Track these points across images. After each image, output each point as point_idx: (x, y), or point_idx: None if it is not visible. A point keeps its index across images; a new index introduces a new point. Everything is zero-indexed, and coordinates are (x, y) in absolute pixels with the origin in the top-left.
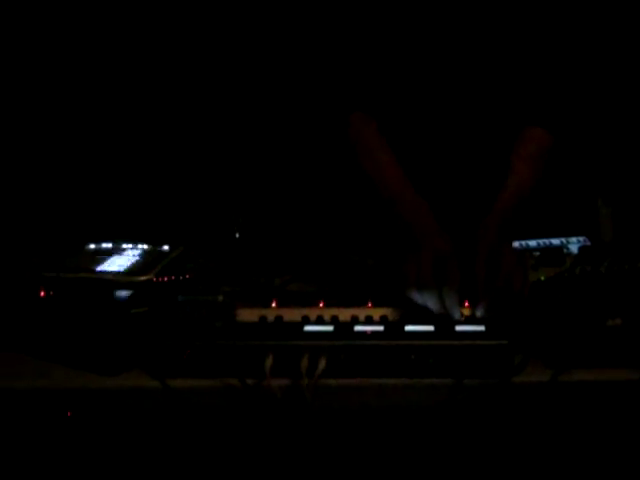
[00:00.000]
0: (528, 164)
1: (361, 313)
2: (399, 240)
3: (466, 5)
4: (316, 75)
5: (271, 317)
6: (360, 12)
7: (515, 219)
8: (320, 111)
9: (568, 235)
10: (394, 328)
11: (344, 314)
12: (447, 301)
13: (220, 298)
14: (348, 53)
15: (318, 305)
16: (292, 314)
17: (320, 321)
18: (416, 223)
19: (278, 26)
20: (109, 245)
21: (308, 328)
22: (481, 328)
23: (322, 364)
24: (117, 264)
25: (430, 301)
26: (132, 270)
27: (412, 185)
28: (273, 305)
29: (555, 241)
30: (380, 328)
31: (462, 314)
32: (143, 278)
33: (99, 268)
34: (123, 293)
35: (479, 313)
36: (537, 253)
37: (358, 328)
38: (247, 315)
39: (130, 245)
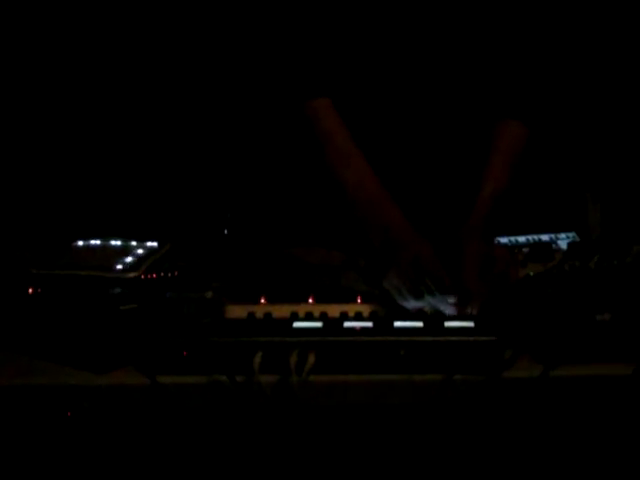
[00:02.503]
0: (505, 159)
1: (350, 309)
2: (370, 244)
3: None
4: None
5: (260, 313)
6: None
7: (495, 217)
8: (281, 95)
9: (557, 231)
10: (383, 324)
11: (333, 310)
12: (438, 304)
13: (209, 295)
14: (320, 41)
15: (307, 301)
16: (281, 310)
17: (309, 317)
18: (391, 227)
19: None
20: (97, 242)
21: (297, 324)
22: (470, 324)
23: (311, 360)
24: (105, 261)
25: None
26: (121, 267)
27: (385, 185)
28: (262, 301)
29: (544, 237)
30: (369, 324)
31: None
32: (131, 275)
33: (87, 265)
34: (115, 290)
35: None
36: (526, 249)
37: (347, 324)
38: (236, 311)
39: (118, 242)
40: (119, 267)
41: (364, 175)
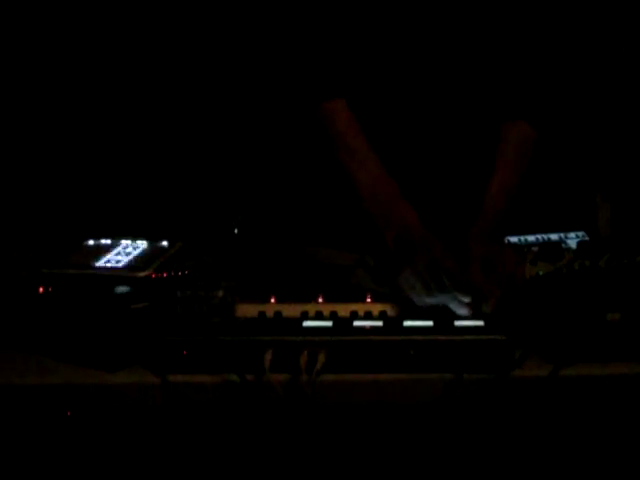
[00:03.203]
0: (512, 160)
1: (360, 308)
2: (383, 243)
3: None
4: (296, 60)
5: (270, 312)
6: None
7: (504, 218)
8: (296, 96)
9: (567, 230)
10: (393, 323)
11: (343, 309)
12: (453, 304)
13: (219, 294)
14: (332, 44)
15: (317, 300)
16: (291, 309)
17: (319, 316)
18: (405, 226)
19: (259, 19)
20: (108, 241)
21: (307, 324)
22: (480, 323)
23: (321, 359)
24: (116, 260)
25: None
26: (131, 266)
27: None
28: (272, 300)
29: (554, 236)
30: (379, 323)
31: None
32: (142, 274)
33: (98, 264)
34: (122, 288)
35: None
36: (535, 248)
37: (357, 323)
38: (246, 311)
39: (129, 241)
40: (130, 266)
41: (378, 175)
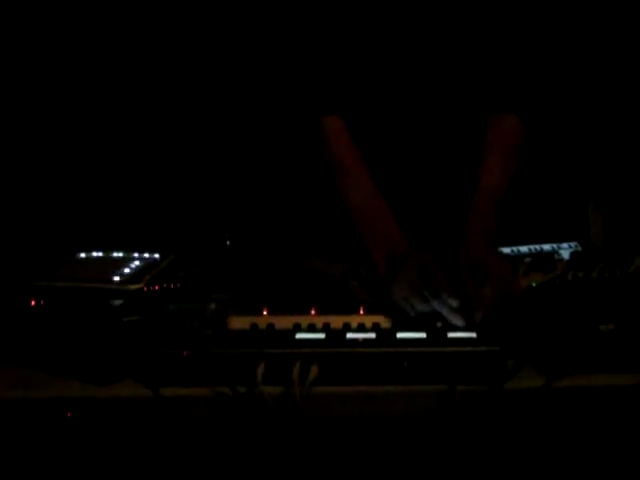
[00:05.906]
0: (501, 159)
1: (353, 320)
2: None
3: None
4: (291, 76)
5: (263, 325)
6: (331, 12)
7: (494, 221)
8: (292, 113)
9: (559, 241)
10: (386, 335)
11: (336, 321)
12: (445, 311)
13: (211, 306)
14: (322, 54)
15: (310, 312)
16: (284, 322)
17: (312, 329)
18: (394, 249)
19: (256, 30)
20: (99, 254)
21: (300, 336)
22: (473, 335)
23: (314, 372)
24: (108, 273)
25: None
26: (123, 279)
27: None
28: (265, 313)
29: (546, 247)
30: (372, 335)
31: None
32: (134, 287)
33: (90, 277)
34: (117, 302)
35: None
36: (528, 259)
37: (350, 335)
38: (239, 323)
39: (121, 254)
40: (121, 279)
41: (369, 195)
